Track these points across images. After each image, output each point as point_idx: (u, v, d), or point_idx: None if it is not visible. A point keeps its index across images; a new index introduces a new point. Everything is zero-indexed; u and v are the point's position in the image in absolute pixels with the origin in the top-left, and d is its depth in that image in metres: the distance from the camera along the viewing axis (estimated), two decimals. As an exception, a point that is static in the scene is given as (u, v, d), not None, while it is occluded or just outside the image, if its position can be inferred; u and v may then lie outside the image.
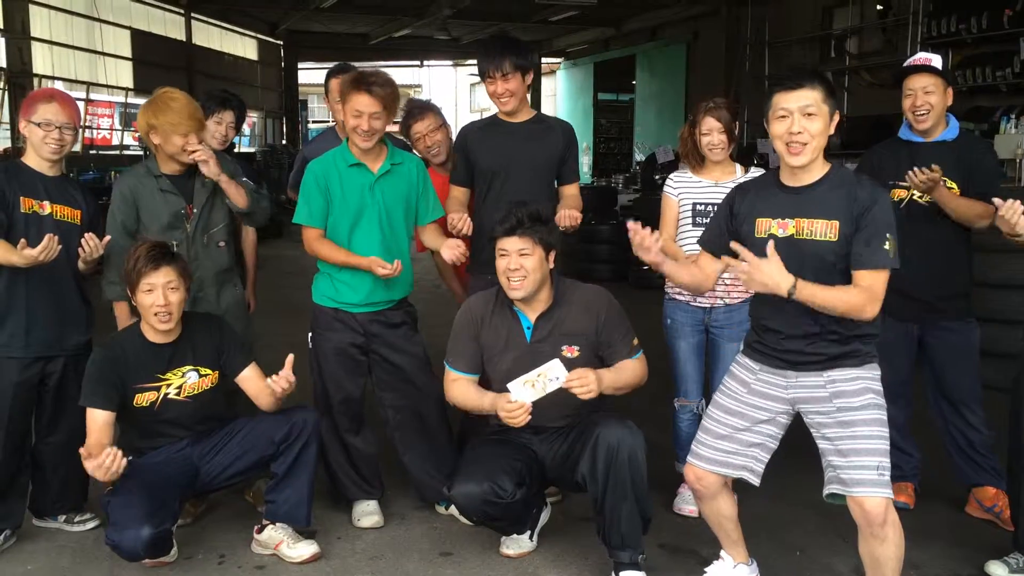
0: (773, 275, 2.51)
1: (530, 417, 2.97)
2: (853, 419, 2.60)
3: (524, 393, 2.97)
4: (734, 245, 2.58)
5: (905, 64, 3.53)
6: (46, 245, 3.08)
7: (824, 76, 2.66)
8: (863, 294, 2.55)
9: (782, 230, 2.64)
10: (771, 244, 2.54)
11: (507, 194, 3.53)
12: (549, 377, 2.95)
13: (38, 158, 3.36)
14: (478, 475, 3.07)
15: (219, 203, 3.59)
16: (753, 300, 2.83)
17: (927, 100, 3.44)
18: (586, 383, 2.93)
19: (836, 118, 2.63)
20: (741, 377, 2.83)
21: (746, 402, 2.79)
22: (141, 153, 13.12)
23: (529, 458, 3.18)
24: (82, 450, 2.94)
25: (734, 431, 2.79)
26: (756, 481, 2.83)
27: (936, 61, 3.46)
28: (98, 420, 3.10)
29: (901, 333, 3.60)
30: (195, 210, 3.54)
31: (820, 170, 2.64)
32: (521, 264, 3.04)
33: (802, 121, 2.57)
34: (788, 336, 2.69)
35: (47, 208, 3.34)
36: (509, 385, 3.00)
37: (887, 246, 2.55)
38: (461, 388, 3.25)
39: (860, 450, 2.59)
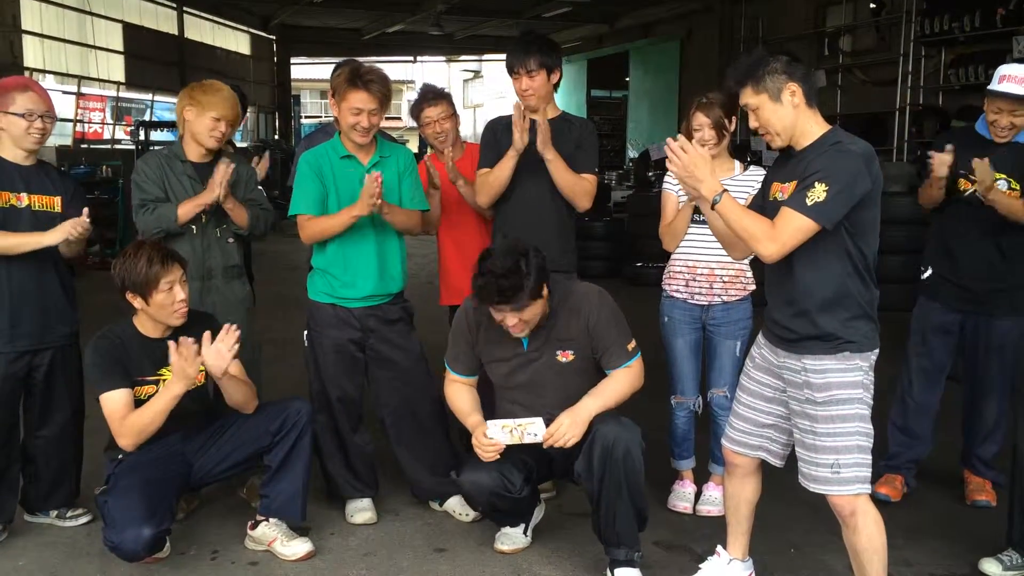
0: (700, 166, 2.54)
1: (499, 456, 3.02)
2: (815, 414, 2.61)
3: (501, 435, 3.03)
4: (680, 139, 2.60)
5: (997, 84, 3.51)
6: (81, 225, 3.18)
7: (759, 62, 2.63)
8: (764, 227, 2.54)
9: (782, 193, 2.65)
10: (696, 142, 2.61)
11: (526, 192, 3.56)
12: (528, 431, 3.01)
13: (16, 149, 3.30)
14: (489, 465, 3.06)
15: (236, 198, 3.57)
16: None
17: (1012, 121, 3.49)
18: (563, 434, 2.97)
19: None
20: (752, 352, 2.89)
21: (754, 378, 2.84)
22: (133, 148, 13.07)
23: (537, 453, 3.17)
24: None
25: (749, 410, 2.85)
26: (778, 463, 2.88)
27: None
28: (121, 400, 3.06)
29: (946, 321, 3.69)
30: None
31: (813, 134, 2.61)
32: (519, 319, 2.99)
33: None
34: (772, 306, 2.74)
35: (24, 200, 3.30)
36: (489, 423, 3.05)
37: (811, 193, 2.46)
38: (456, 393, 3.25)
39: (818, 447, 2.60)
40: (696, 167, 2.55)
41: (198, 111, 3.51)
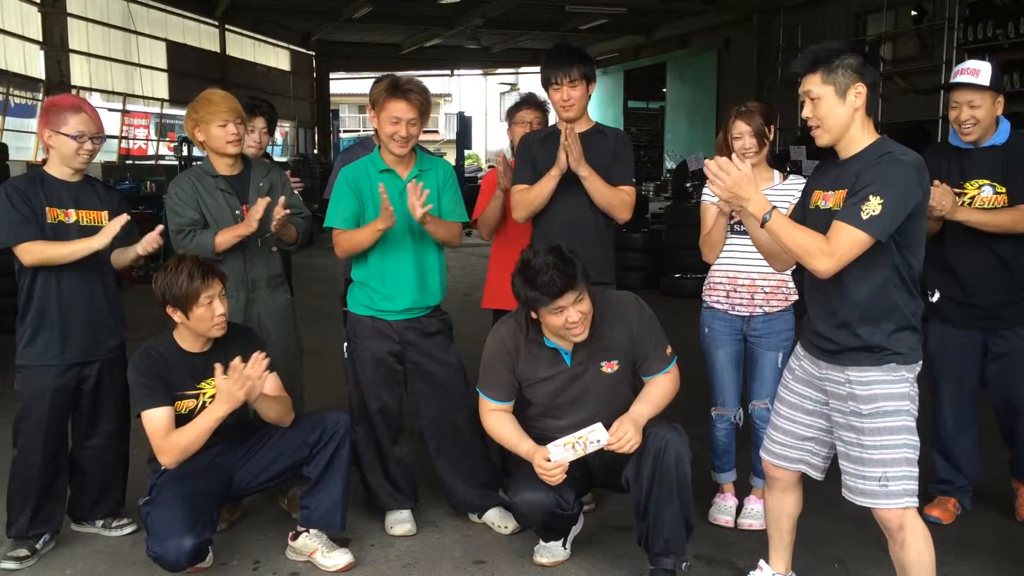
0: (744, 185, 2.51)
1: (565, 476, 2.98)
2: (862, 426, 2.56)
3: (564, 454, 2.98)
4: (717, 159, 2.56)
5: (952, 79, 3.47)
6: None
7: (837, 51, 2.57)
8: (818, 242, 2.49)
9: (824, 202, 2.61)
10: (737, 158, 2.54)
11: (565, 206, 3.55)
12: (590, 440, 2.96)
13: (64, 167, 3.37)
14: (541, 484, 3.02)
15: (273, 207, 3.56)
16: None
17: (972, 114, 3.40)
18: (628, 439, 2.93)
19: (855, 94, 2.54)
20: (791, 364, 2.85)
21: (793, 390, 2.80)
22: (176, 163, 13.30)
23: (583, 467, 3.15)
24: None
25: (788, 422, 2.82)
26: (819, 476, 2.85)
27: (984, 72, 3.38)
28: (164, 418, 3.08)
29: (964, 341, 3.58)
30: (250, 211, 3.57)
31: (862, 143, 2.58)
32: (580, 311, 2.97)
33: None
34: (813, 317, 2.70)
35: (72, 216, 3.36)
36: (550, 447, 2.99)
37: (865, 206, 2.42)
38: (498, 422, 3.19)
39: (865, 460, 2.56)
40: (741, 187, 2.52)
41: (204, 127, 3.53)
